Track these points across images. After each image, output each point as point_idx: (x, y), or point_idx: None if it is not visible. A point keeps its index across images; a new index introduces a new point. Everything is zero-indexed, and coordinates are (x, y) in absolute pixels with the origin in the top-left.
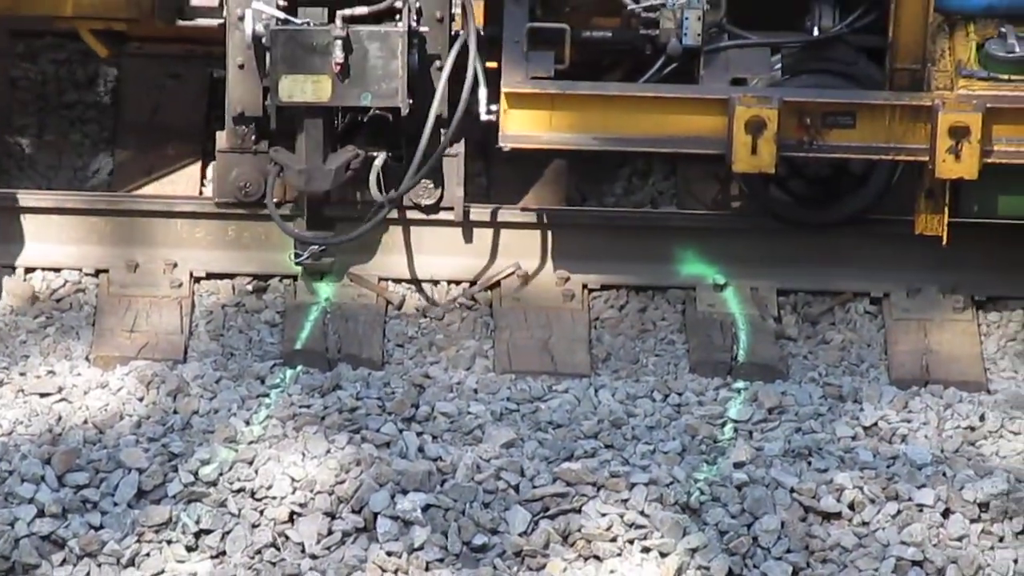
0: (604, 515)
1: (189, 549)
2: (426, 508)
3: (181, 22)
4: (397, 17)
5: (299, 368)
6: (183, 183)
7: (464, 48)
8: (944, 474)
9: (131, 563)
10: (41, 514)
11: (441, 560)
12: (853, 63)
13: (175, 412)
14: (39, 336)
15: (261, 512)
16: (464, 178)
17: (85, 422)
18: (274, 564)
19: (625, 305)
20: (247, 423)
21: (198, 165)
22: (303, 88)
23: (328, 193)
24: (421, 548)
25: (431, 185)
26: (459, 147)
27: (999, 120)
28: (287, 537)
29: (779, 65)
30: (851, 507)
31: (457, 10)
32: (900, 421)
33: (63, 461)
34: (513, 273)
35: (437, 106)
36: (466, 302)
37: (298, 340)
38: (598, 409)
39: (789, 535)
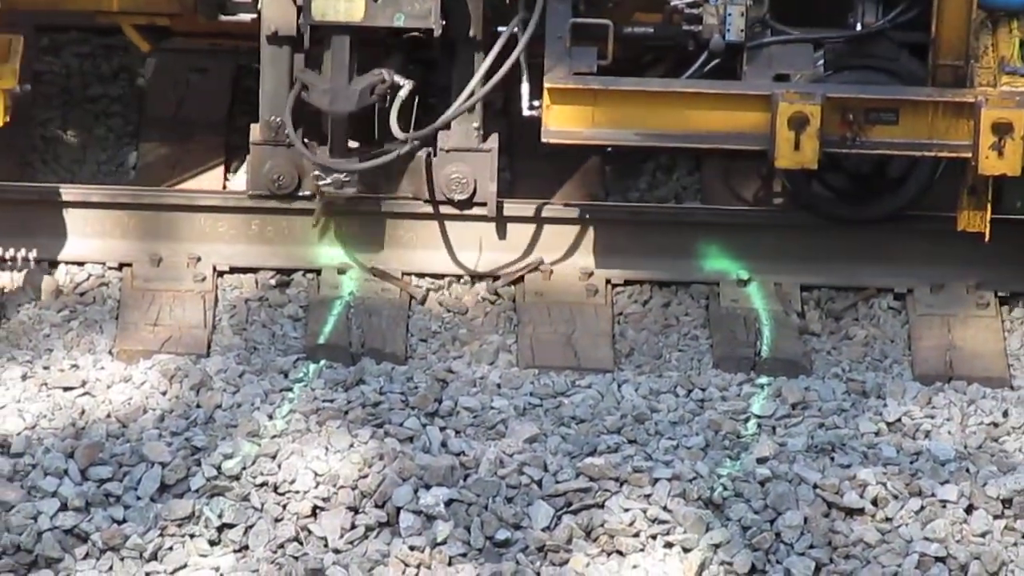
0: (627, 510)
1: (212, 543)
2: (449, 503)
3: (224, 17)
4: None
5: (322, 362)
6: (207, 177)
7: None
8: (967, 470)
9: (154, 557)
10: (64, 508)
11: (464, 555)
12: (895, 59)
13: (198, 406)
14: (63, 330)
15: (284, 506)
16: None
17: (108, 416)
18: (297, 558)
19: (649, 300)
20: (270, 417)
21: (222, 159)
22: (336, 7)
23: (351, 116)
24: (444, 543)
25: (463, 179)
26: (493, 142)
27: None
28: (310, 531)
29: (821, 61)
30: (874, 503)
31: None
32: (923, 417)
33: (86, 455)
34: (537, 268)
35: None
36: (489, 296)
37: (321, 334)
38: (621, 404)
39: (812, 531)
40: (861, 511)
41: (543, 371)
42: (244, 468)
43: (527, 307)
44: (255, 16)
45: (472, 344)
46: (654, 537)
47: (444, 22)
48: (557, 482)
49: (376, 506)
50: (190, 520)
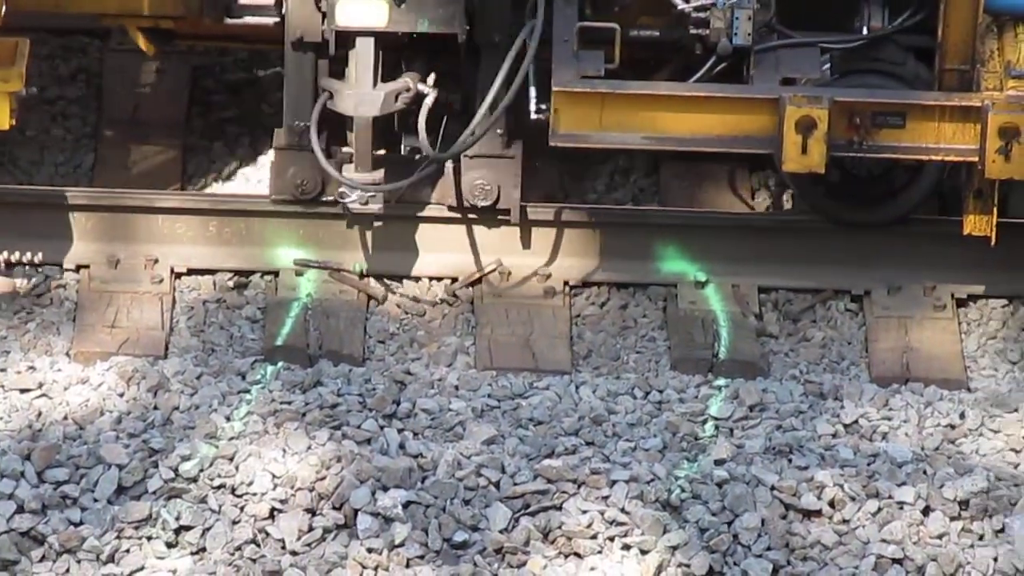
0: (585, 512)
1: (169, 545)
2: (407, 505)
3: (229, 20)
4: None
5: (280, 364)
6: (164, 179)
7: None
8: (924, 472)
9: (111, 559)
10: (20, 510)
11: (422, 557)
12: (901, 63)
13: (155, 408)
14: (19, 332)
15: (241, 508)
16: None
17: (65, 418)
18: (254, 561)
19: (607, 302)
20: (228, 419)
21: (179, 160)
22: (360, 12)
23: (376, 121)
24: (402, 545)
25: (487, 186)
26: (517, 148)
27: None
28: (267, 533)
29: (828, 65)
30: (831, 505)
31: None
32: (881, 419)
33: (43, 457)
34: (495, 270)
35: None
36: (447, 298)
37: (279, 336)
38: (579, 406)
39: (769, 532)
40: (819, 513)
41: (501, 373)
42: (201, 470)
43: (485, 309)
44: (261, 20)
45: (430, 346)
46: (612, 539)
47: (468, 27)
48: (515, 484)
49: (334, 508)
50: (147, 522)
